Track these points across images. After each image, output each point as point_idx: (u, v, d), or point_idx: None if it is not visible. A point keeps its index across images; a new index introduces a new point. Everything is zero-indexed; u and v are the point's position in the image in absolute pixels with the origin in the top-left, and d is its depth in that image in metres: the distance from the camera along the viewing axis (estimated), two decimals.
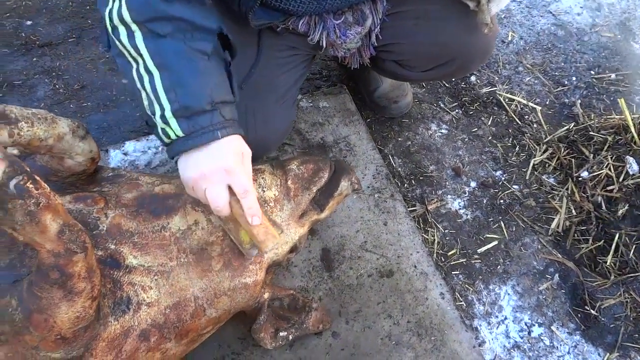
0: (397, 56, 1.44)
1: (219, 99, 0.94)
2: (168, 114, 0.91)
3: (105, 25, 0.94)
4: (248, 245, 1.03)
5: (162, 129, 0.94)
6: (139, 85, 0.93)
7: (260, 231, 0.98)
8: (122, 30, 0.91)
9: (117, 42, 0.93)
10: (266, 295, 1.17)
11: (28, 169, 0.75)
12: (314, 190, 1.16)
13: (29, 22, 2.07)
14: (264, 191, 1.11)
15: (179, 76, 0.91)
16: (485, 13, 1.17)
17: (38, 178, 0.76)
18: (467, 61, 1.42)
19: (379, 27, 1.35)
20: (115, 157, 1.58)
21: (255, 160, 1.38)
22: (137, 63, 0.92)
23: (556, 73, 1.99)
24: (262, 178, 1.13)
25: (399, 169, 1.69)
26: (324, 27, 1.28)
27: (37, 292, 0.80)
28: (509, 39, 2.10)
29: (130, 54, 0.93)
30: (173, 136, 0.93)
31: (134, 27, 0.90)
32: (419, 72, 1.47)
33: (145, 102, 0.93)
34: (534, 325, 1.41)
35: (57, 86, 1.87)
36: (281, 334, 1.19)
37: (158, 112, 0.92)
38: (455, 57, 1.39)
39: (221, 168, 0.93)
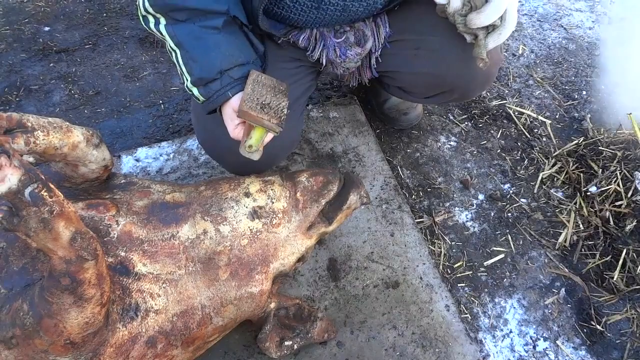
0: (399, 83, 1.48)
1: (227, 66, 1.13)
2: (189, 84, 1.15)
3: (138, 14, 1.16)
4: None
5: (192, 94, 1.18)
6: (173, 59, 1.16)
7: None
8: (150, 18, 1.13)
9: (146, 28, 1.15)
10: (272, 305, 1.18)
11: (43, 177, 0.77)
12: (323, 203, 1.17)
13: (47, 28, 2.12)
14: (272, 202, 1.12)
15: (192, 53, 1.12)
16: (481, 48, 1.15)
17: (52, 186, 0.78)
18: (466, 91, 1.45)
19: (379, 50, 1.37)
20: (127, 163, 1.61)
21: (264, 170, 1.42)
22: (166, 42, 1.15)
23: (566, 87, 1.99)
24: (272, 189, 1.14)
25: (407, 181, 1.70)
26: (325, 45, 1.30)
27: (48, 298, 0.82)
28: (520, 52, 2.10)
29: (157, 36, 1.16)
30: (201, 99, 1.16)
31: (158, 15, 1.11)
32: (421, 97, 1.52)
33: (179, 72, 1.17)
34: (539, 339, 1.41)
35: (72, 92, 1.91)
36: (286, 343, 1.20)
37: (185, 82, 1.16)
38: (454, 88, 1.41)
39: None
